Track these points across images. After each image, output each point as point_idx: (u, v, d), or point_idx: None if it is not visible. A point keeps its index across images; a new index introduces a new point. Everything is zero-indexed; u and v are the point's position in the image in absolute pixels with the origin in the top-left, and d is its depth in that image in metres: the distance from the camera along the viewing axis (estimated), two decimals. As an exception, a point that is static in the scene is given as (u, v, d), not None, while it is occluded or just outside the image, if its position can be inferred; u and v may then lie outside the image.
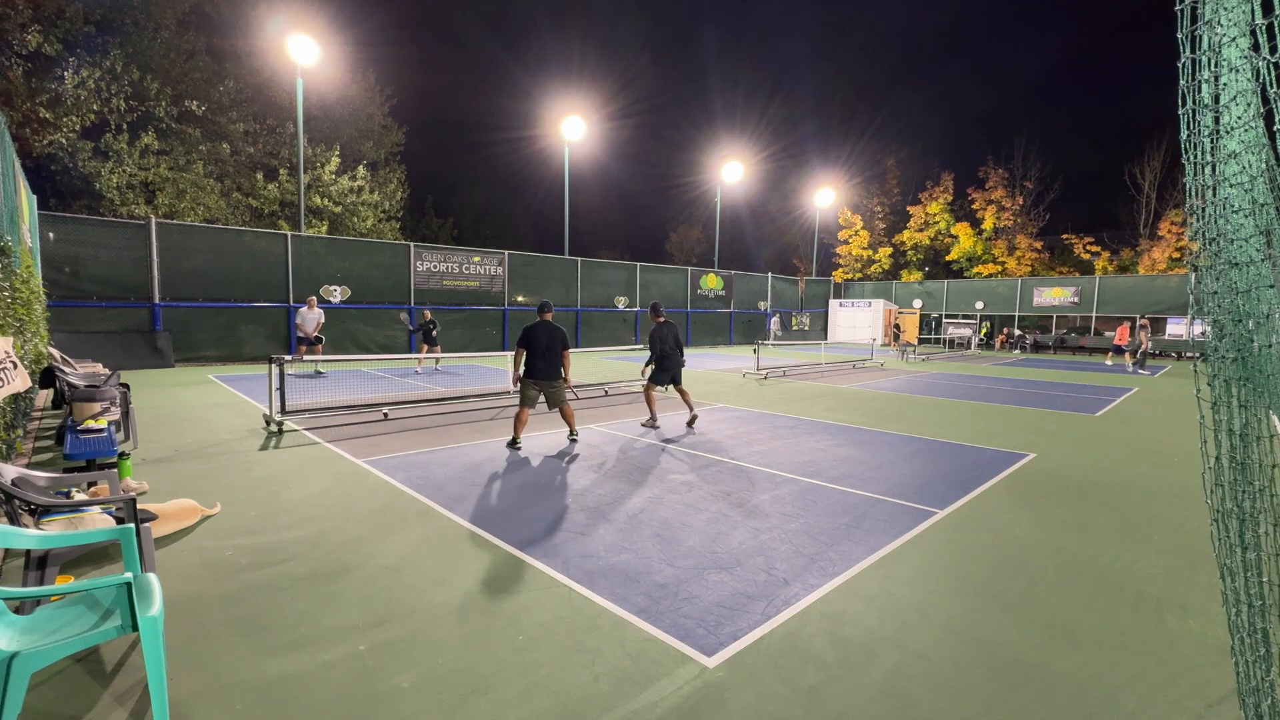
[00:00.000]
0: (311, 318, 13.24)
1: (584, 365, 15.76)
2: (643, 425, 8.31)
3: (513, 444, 7.00)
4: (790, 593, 3.50)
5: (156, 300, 14.88)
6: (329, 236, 21.16)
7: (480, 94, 70.62)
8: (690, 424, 8.45)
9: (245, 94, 24.41)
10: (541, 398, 7.10)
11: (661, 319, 8.45)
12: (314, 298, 13.76)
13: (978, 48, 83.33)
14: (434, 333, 14.76)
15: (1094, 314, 27.64)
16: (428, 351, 14.78)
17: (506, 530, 4.41)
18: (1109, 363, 21.30)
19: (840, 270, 39.95)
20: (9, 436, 5.45)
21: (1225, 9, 1.52)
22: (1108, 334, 27.31)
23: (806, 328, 33.72)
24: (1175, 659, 2.93)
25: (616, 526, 4.50)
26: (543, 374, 6.94)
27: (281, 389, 7.74)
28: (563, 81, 54.96)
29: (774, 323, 31.35)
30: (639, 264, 26.72)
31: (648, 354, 8.59)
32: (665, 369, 8.36)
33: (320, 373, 13.68)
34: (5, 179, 6.63)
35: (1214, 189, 1.69)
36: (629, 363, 17.66)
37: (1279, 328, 1.55)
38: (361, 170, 27.76)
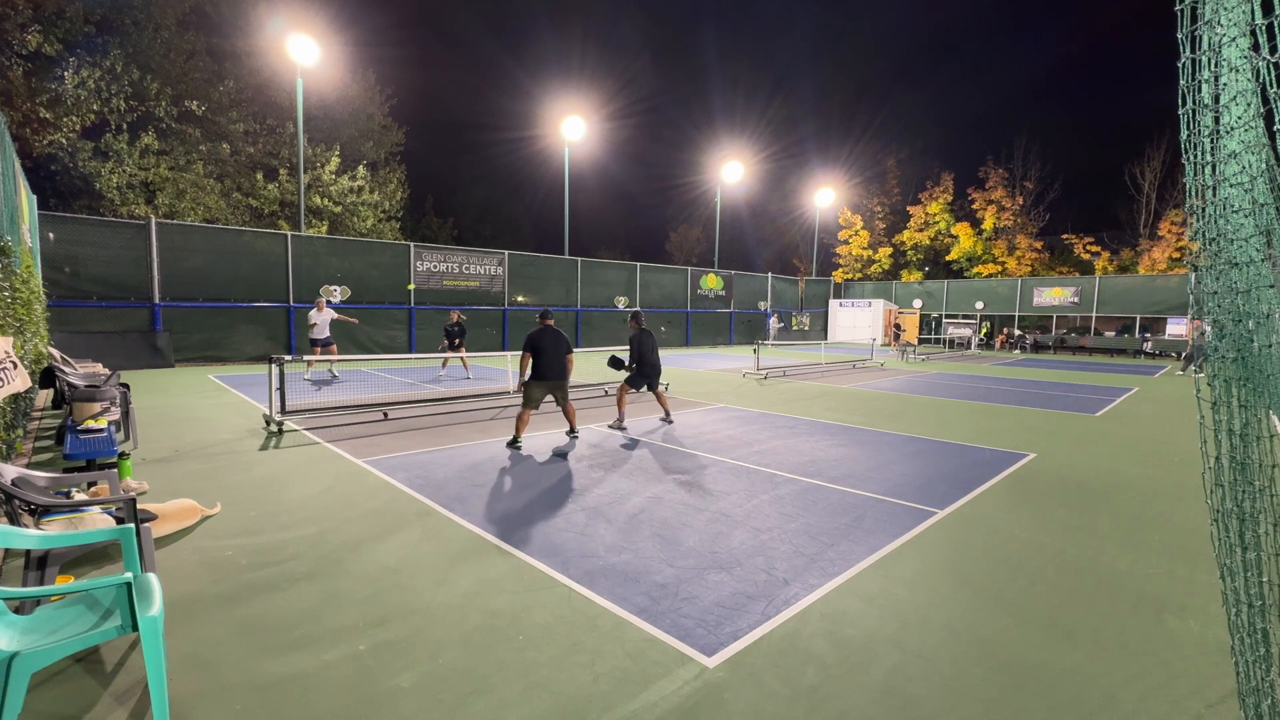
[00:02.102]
0: (323, 319, 12.97)
1: (584, 365, 15.75)
2: (609, 427, 8.33)
3: (513, 443, 7.06)
4: (790, 593, 3.50)
5: (156, 300, 14.87)
6: (329, 236, 21.14)
7: (480, 94, 70.53)
8: (664, 419, 8.80)
9: (245, 94, 24.40)
10: (547, 397, 7.31)
11: (643, 327, 8.71)
12: (322, 299, 13.54)
13: (978, 48, 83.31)
14: (459, 337, 13.85)
15: (1094, 314, 27.64)
16: (450, 353, 13.91)
17: (506, 530, 4.41)
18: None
19: (840, 270, 39.94)
20: (9, 436, 5.45)
21: (1225, 9, 1.52)
22: (1108, 334, 27.32)
23: (806, 328, 33.72)
24: (1175, 659, 2.93)
25: (616, 526, 4.50)
26: (550, 375, 7.15)
27: (281, 389, 7.73)
28: (563, 81, 54.96)
29: (772, 321, 31.35)
30: (639, 264, 26.72)
31: (624, 358, 8.70)
32: (645, 374, 8.55)
33: (335, 375, 13.43)
34: (5, 179, 6.64)
35: (1214, 189, 1.69)
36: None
37: (1279, 327, 1.55)
38: (361, 170, 27.75)
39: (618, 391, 8.65)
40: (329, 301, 16.95)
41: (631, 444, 7.29)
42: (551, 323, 7.30)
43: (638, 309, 8.98)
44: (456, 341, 13.72)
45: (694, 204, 51.84)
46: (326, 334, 12.97)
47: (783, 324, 32.39)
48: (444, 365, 14.60)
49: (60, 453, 5.91)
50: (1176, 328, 25.20)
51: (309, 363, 13.15)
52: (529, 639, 2.98)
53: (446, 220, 42.88)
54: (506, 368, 13.18)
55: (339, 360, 13.78)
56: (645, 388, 8.65)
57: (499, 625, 3.11)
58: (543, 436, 7.54)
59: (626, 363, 8.56)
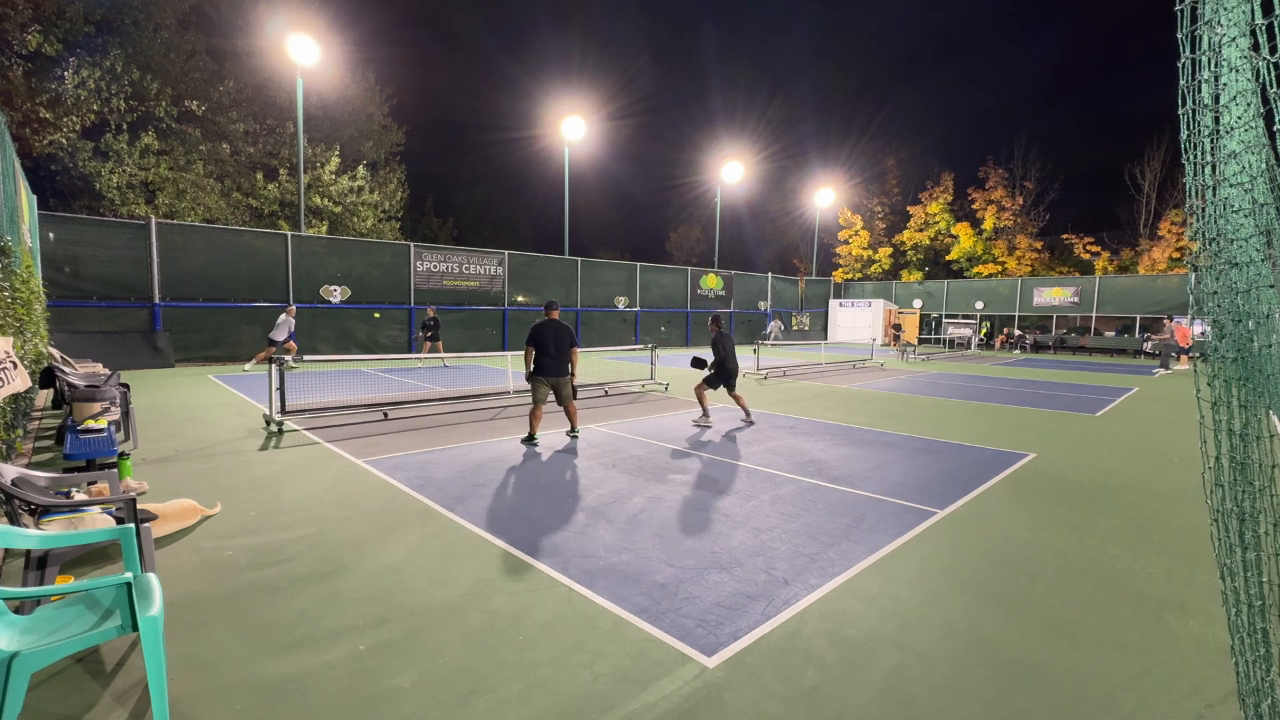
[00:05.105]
0: (286, 325, 13.81)
1: (584, 365, 15.75)
2: (695, 423, 8.55)
3: (529, 440, 7.18)
4: (790, 593, 3.50)
5: (156, 300, 14.87)
6: (329, 236, 21.14)
7: (480, 94, 70.49)
8: (746, 420, 8.87)
9: (245, 94, 24.39)
10: (550, 395, 7.33)
11: (723, 329, 8.86)
12: (292, 307, 14.39)
13: (978, 47, 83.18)
14: (436, 330, 15.65)
15: (1094, 314, 27.63)
16: (429, 349, 15.40)
17: (506, 530, 4.41)
18: (1183, 366, 20.39)
19: (840, 270, 39.94)
20: (9, 436, 5.45)
21: (1225, 9, 1.52)
22: (1108, 334, 27.31)
23: (806, 328, 33.72)
24: (1175, 659, 2.93)
25: (616, 526, 4.50)
26: (551, 371, 7.16)
27: (281, 389, 7.74)
28: (563, 81, 54.88)
29: (775, 325, 31.31)
30: (639, 264, 26.72)
31: (705, 358, 8.92)
32: (726, 375, 8.66)
33: (293, 367, 14.04)
34: (5, 179, 6.64)
35: (1214, 189, 1.68)
36: (630, 363, 17.67)
37: (1279, 327, 1.55)
38: (361, 170, 27.75)
39: (697, 391, 8.76)
40: (321, 301, 17.45)
41: (632, 444, 7.29)
42: (556, 315, 7.30)
43: (718, 311, 9.26)
44: (430, 334, 15.55)
45: (694, 204, 51.85)
46: (284, 335, 13.85)
47: (783, 326, 32.32)
48: (420, 362, 16.34)
49: (60, 453, 5.91)
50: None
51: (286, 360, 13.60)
52: (529, 639, 2.98)
53: (446, 220, 42.88)
54: (507, 368, 13.19)
55: (329, 360, 14.53)
56: (722, 387, 8.78)
57: (499, 625, 3.11)
58: (543, 436, 7.54)
59: (709, 363, 8.77)
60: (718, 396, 9.34)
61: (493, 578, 3.65)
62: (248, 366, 14.30)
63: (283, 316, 13.85)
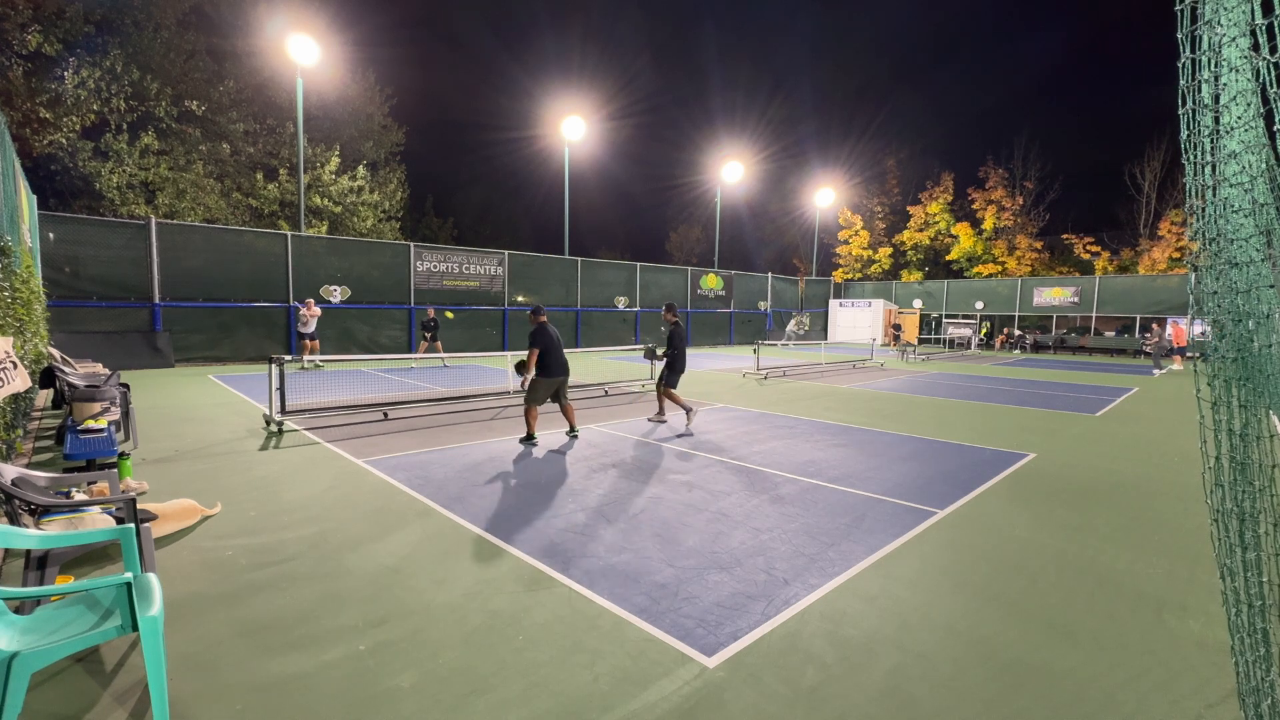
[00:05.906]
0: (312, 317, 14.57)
1: (584, 365, 15.76)
2: (685, 425, 8.33)
3: (528, 439, 7.20)
4: (790, 593, 3.50)
5: (156, 300, 14.87)
6: (329, 236, 21.13)
7: (480, 94, 70.36)
8: (651, 418, 8.78)
9: (245, 94, 24.39)
10: (552, 394, 7.38)
11: (676, 320, 8.64)
12: (311, 300, 15.00)
13: (978, 47, 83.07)
14: (436, 330, 15.91)
15: (1094, 314, 27.63)
16: (427, 349, 15.58)
17: (506, 530, 4.41)
18: (1177, 366, 20.39)
19: (840, 270, 39.94)
20: (9, 436, 5.45)
21: (1225, 9, 1.52)
22: (1108, 334, 27.31)
23: (806, 328, 33.73)
24: (1175, 659, 2.93)
25: (616, 526, 4.50)
26: (559, 371, 7.21)
27: (281, 389, 7.74)
28: (563, 81, 54.84)
29: (791, 326, 31.08)
30: (639, 264, 26.72)
31: (659, 352, 8.71)
32: (677, 370, 8.51)
33: (320, 366, 14.49)
34: (5, 179, 6.64)
35: (1214, 189, 1.69)
36: (629, 363, 17.67)
37: (1279, 327, 1.55)
38: (361, 170, 27.75)
39: (664, 392, 8.47)
40: (321, 301, 17.57)
41: (632, 444, 7.29)
42: (545, 319, 7.34)
43: (671, 301, 8.99)
44: (429, 335, 15.82)
45: (694, 204, 51.82)
46: (312, 329, 14.63)
47: (800, 328, 32.13)
48: (415, 362, 16.39)
49: (60, 453, 5.91)
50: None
51: (306, 358, 14.20)
52: (529, 639, 2.98)
53: (446, 220, 42.87)
54: (507, 368, 13.19)
55: (327, 359, 14.75)
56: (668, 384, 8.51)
57: (499, 625, 3.11)
58: (543, 436, 7.54)
59: (659, 353, 8.55)
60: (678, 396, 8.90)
61: (493, 578, 3.65)
62: (317, 363, 14.68)
63: (302, 311, 14.64)
